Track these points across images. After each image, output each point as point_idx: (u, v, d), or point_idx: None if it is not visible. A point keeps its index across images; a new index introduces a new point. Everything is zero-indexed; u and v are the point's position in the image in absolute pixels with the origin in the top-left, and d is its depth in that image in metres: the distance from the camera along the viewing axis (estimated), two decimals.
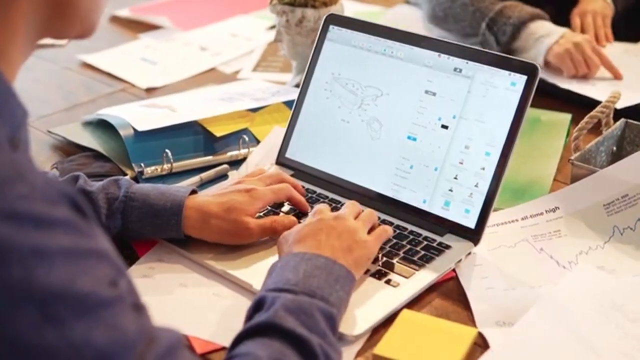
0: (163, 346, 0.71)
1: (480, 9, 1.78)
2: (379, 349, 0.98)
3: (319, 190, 1.29)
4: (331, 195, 1.28)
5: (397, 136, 1.26)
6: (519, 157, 1.40)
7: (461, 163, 1.19)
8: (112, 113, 1.50)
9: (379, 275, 1.10)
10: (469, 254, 1.16)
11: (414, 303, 1.08)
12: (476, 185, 1.17)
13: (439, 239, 1.17)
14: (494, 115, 1.18)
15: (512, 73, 1.18)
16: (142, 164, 1.37)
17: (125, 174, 1.36)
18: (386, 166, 1.26)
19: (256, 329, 0.89)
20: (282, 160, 1.36)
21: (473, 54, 1.22)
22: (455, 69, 1.22)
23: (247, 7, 2.22)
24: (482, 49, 1.28)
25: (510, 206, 1.28)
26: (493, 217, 1.19)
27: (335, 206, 1.24)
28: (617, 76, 1.74)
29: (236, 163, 1.42)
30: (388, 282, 1.09)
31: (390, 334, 1.00)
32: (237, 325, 0.93)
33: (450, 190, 1.20)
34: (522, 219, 1.25)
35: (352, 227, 1.08)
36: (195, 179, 1.36)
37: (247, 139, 1.44)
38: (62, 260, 0.65)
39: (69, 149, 1.49)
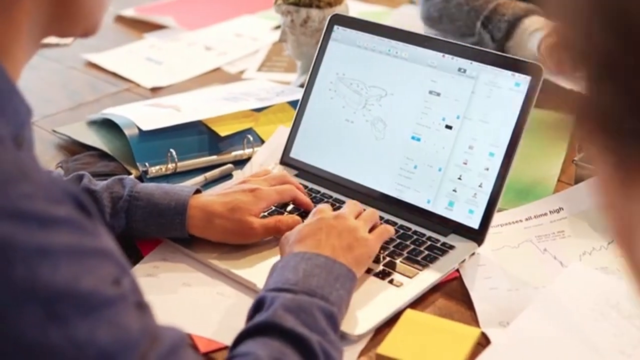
0: (166, 345, 0.72)
1: (474, 7, 1.77)
2: (383, 348, 0.98)
3: (323, 190, 1.30)
4: (335, 195, 1.28)
5: (401, 136, 1.26)
6: (523, 158, 1.39)
7: (465, 163, 1.20)
8: (117, 112, 1.50)
9: (382, 275, 1.10)
10: (473, 254, 1.16)
11: (417, 303, 1.08)
12: (480, 186, 1.17)
13: (442, 239, 1.17)
14: (498, 116, 1.18)
15: (516, 73, 1.18)
16: (147, 164, 1.37)
17: (130, 173, 1.37)
18: (390, 166, 1.26)
19: (256, 328, 0.89)
20: (286, 160, 1.36)
21: (477, 55, 1.22)
22: (459, 69, 1.22)
23: (252, 7, 2.22)
24: (486, 49, 1.28)
25: (514, 207, 1.28)
26: (497, 218, 1.19)
27: (338, 206, 1.24)
28: None
29: (240, 163, 1.42)
30: (391, 281, 1.09)
31: (394, 334, 1.00)
32: (241, 324, 0.93)
33: (454, 191, 1.20)
34: (526, 219, 1.25)
35: (353, 225, 1.08)
36: (199, 179, 1.36)
37: (251, 138, 1.44)
38: (66, 259, 0.66)
39: (73, 148, 1.49)
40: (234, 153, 1.44)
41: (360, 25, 1.33)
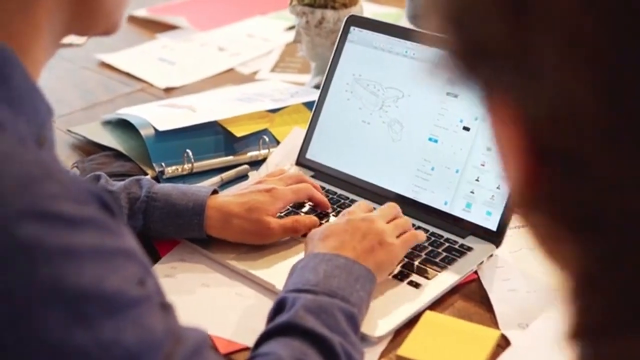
0: (190, 346, 0.72)
1: None
2: (403, 350, 0.98)
3: (339, 191, 1.29)
4: (351, 197, 1.28)
5: (418, 138, 1.26)
6: None
7: (483, 165, 1.19)
8: (132, 113, 1.50)
9: (401, 276, 1.10)
10: (491, 256, 1.16)
11: (436, 305, 1.08)
12: (498, 188, 1.17)
13: (460, 240, 1.17)
14: None
15: None
16: (163, 164, 1.37)
17: (146, 174, 1.36)
18: (407, 168, 1.26)
19: (278, 329, 0.89)
20: (302, 161, 1.36)
21: None
22: None
23: (265, 7, 2.22)
24: None
25: None
26: (515, 219, 1.19)
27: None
28: None
29: (256, 163, 1.42)
30: (410, 283, 1.09)
31: (414, 336, 1.00)
32: (260, 325, 0.93)
33: (472, 192, 1.19)
34: None
35: (379, 229, 1.07)
36: (216, 179, 1.36)
37: (267, 139, 1.44)
38: (91, 260, 0.65)
39: (88, 148, 1.49)
40: (249, 154, 1.43)
41: (376, 27, 1.33)
